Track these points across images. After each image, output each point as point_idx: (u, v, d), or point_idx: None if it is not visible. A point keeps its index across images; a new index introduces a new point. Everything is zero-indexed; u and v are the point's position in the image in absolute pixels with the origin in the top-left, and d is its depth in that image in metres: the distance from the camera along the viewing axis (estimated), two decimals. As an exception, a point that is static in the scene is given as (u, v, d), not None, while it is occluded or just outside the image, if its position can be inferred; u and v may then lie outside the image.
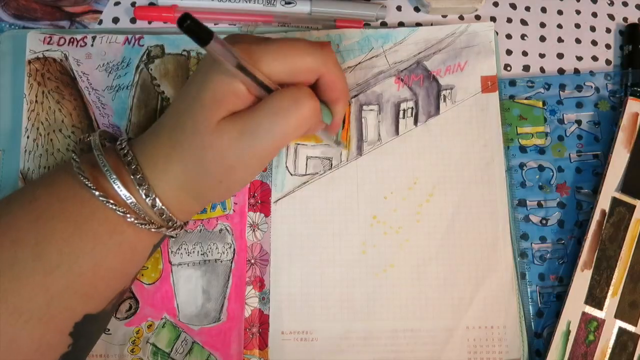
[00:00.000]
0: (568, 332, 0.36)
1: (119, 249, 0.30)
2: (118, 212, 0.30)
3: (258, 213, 0.39)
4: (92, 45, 0.41)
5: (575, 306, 0.37)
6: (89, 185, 0.29)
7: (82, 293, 0.29)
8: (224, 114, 0.29)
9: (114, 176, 0.29)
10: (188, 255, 0.38)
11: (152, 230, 0.31)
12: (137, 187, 0.30)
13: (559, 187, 0.40)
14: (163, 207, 0.31)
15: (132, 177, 0.30)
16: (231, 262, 0.38)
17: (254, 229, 0.39)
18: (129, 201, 0.30)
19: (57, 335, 0.29)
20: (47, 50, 0.40)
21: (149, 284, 0.38)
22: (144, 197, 0.30)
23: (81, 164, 0.30)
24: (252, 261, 0.39)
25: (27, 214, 0.30)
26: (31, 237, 0.29)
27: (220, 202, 0.39)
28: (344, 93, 0.33)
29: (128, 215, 0.30)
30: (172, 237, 0.35)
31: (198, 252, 0.38)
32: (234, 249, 0.38)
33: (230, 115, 0.29)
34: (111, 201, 0.29)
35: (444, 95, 0.41)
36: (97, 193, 0.29)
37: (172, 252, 0.38)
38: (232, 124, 0.29)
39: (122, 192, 0.29)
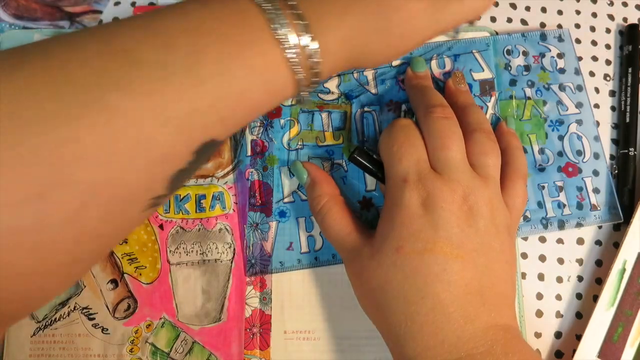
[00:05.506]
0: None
1: (264, 87, 0.29)
2: (288, 52, 0.28)
3: (259, 213, 0.39)
4: (94, 45, 0.41)
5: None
6: (270, 11, 0.28)
7: (221, 115, 0.29)
8: None
9: (284, 19, 0.28)
10: (187, 254, 0.38)
11: (301, 76, 0.30)
12: (301, 34, 0.29)
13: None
14: (319, 60, 0.30)
15: (296, 22, 0.29)
16: (231, 262, 0.38)
17: (254, 229, 0.39)
18: (291, 43, 0.28)
19: (185, 149, 0.28)
20: None
21: (147, 284, 0.37)
22: (305, 44, 0.29)
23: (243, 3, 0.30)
24: (253, 261, 0.38)
25: (179, 24, 0.28)
26: (183, 46, 0.27)
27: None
28: None
29: (290, 56, 0.29)
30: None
31: (197, 251, 0.38)
32: (234, 249, 0.38)
33: None
34: (284, 36, 0.28)
35: (443, 98, 0.41)
36: (274, 25, 0.28)
37: (170, 251, 0.38)
38: None
39: (291, 35, 0.28)
